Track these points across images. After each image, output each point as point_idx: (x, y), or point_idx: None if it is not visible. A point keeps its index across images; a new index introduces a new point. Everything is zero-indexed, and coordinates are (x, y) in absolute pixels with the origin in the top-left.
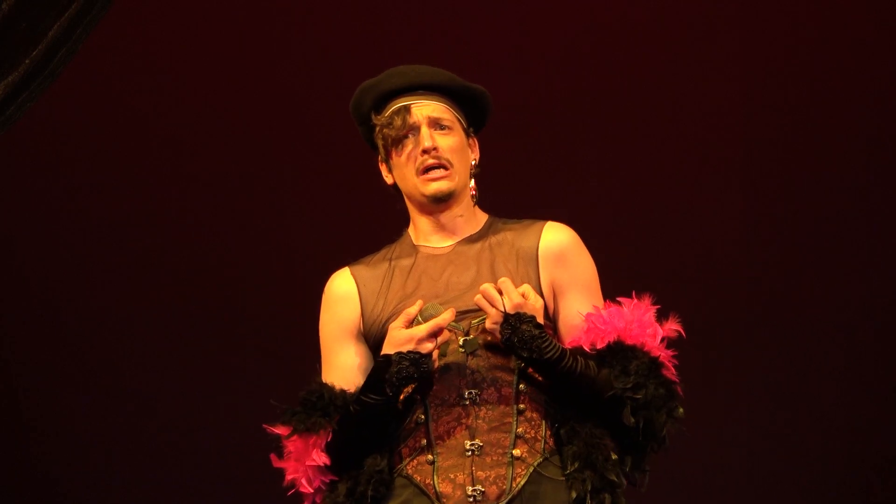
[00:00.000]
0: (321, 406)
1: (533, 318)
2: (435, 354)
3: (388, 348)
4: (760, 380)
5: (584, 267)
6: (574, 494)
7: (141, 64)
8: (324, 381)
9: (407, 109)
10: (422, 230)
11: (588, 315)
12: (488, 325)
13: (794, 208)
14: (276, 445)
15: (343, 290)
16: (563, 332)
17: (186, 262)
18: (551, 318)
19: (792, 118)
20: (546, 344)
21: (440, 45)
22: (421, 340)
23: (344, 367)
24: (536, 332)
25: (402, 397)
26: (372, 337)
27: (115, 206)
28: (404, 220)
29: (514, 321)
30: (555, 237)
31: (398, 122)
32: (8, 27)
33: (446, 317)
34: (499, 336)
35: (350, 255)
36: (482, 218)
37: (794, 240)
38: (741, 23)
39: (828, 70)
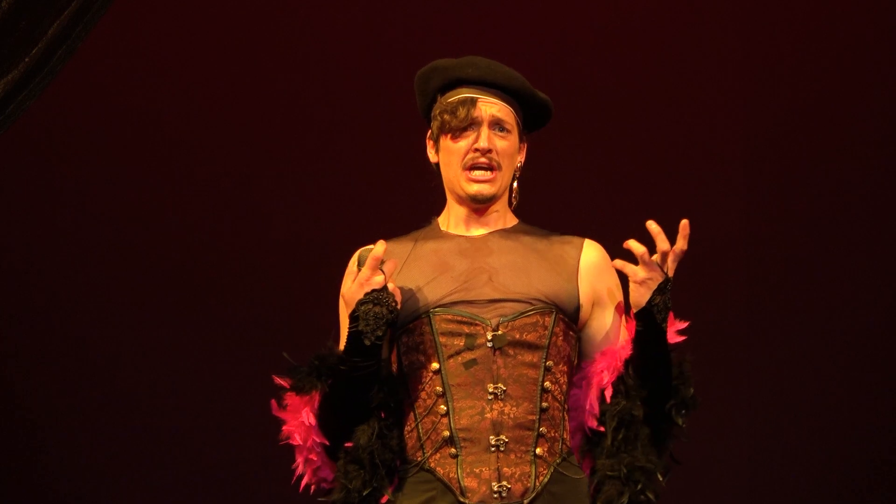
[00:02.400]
0: (319, 368)
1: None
2: (393, 290)
3: (348, 308)
4: (760, 380)
5: (617, 284)
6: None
7: (140, 63)
8: (333, 345)
9: (473, 102)
10: (454, 217)
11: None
12: (641, 277)
13: (796, 208)
14: (278, 394)
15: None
16: (598, 337)
17: (187, 263)
18: (582, 326)
19: (793, 118)
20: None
21: (441, 44)
22: (368, 280)
23: None
24: (670, 304)
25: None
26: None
27: (116, 205)
28: (408, 218)
29: (667, 286)
30: (595, 254)
31: (462, 112)
32: (8, 25)
33: (379, 249)
34: (644, 292)
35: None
36: (514, 219)
37: (796, 240)
38: (741, 22)
39: (828, 70)
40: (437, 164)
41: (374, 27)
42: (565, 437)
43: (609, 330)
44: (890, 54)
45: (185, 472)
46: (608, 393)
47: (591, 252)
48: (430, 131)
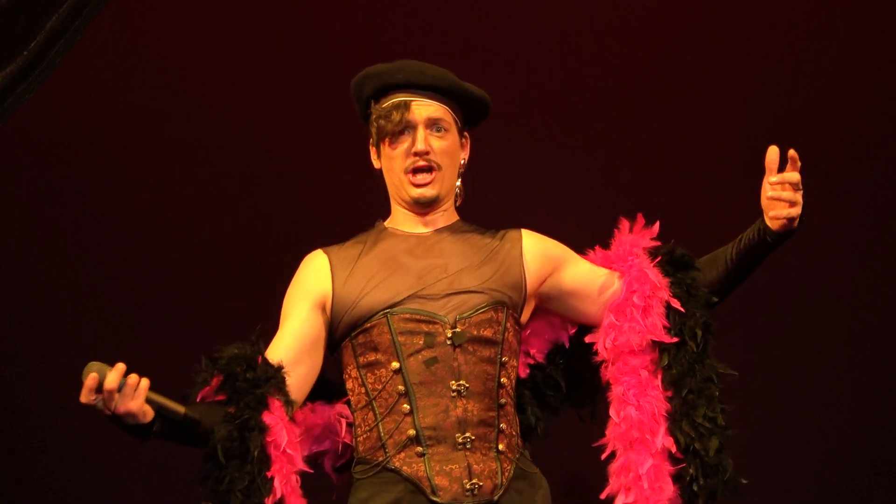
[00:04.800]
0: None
1: None
2: (91, 398)
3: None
4: (760, 379)
5: (562, 245)
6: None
7: (140, 63)
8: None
9: (406, 106)
10: (399, 219)
11: (600, 258)
12: (792, 215)
13: None
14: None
15: (315, 265)
16: (586, 280)
17: (187, 263)
18: (560, 293)
19: (793, 118)
20: None
21: (441, 44)
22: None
23: (288, 329)
24: None
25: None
26: (345, 315)
27: (116, 205)
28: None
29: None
30: (533, 236)
31: (396, 117)
32: (6, 19)
33: (90, 383)
34: (791, 224)
35: None
36: (455, 216)
37: (795, 240)
38: (741, 22)
39: (828, 70)
40: (381, 170)
41: (374, 27)
42: (517, 432)
43: (587, 270)
44: (890, 54)
45: (185, 472)
46: (676, 304)
47: (528, 238)
48: (371, 138)
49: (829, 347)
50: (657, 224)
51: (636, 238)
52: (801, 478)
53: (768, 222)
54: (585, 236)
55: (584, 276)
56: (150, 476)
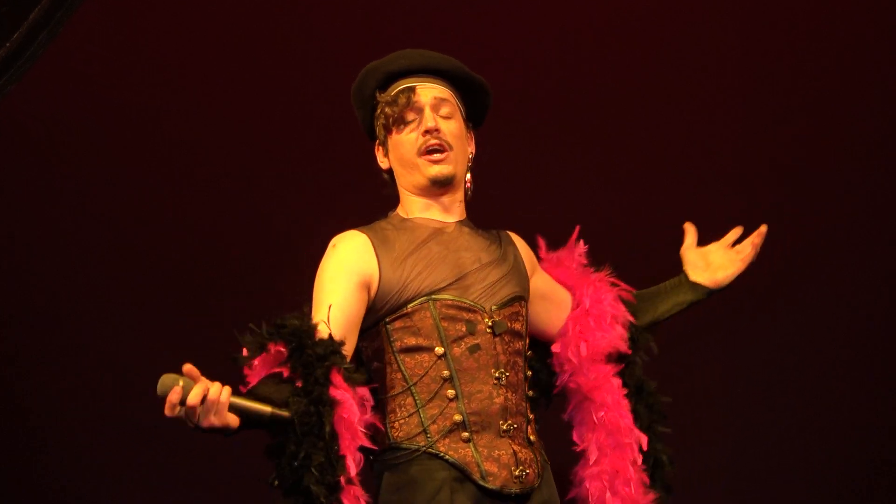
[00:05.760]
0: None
1: None
2: (175, 411)
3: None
4: (760, 380)
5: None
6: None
7: (140, 63)
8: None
9: (412, 90)
10: (416, 209)
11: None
12: (746, 264)
13: (795, 208)
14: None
15: (358, 244)
16: (550, 290)
17: (187, 263)
18: (533, 297)
19: (793, 117)
20: None
21: (440, 43)
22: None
23: (334, 305)
24: None
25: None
26: (390, 297)
27: (116, 205)
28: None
29: None
30: (520, 240)
31: (403, 100)
32: None
33: (173, 398)
34: (739, 269)
35: None
36: (465, 212)
37: (795, 240)
38: (740, 21)
39: (828, 70)
40: (389, 170)
41: (373, 25)
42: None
43: (551, 281)
44: (890, 54)
45: (186, 471)
46: (629, 317)
47: (517, 239)
48: (377, 139)
49: (829, 347)
50: (581, 242)
51: (572, 253)
52: (801, 478)
53: (703, 279)
54: (582, 233)
55: (549, 281)
56: (150, 476)
